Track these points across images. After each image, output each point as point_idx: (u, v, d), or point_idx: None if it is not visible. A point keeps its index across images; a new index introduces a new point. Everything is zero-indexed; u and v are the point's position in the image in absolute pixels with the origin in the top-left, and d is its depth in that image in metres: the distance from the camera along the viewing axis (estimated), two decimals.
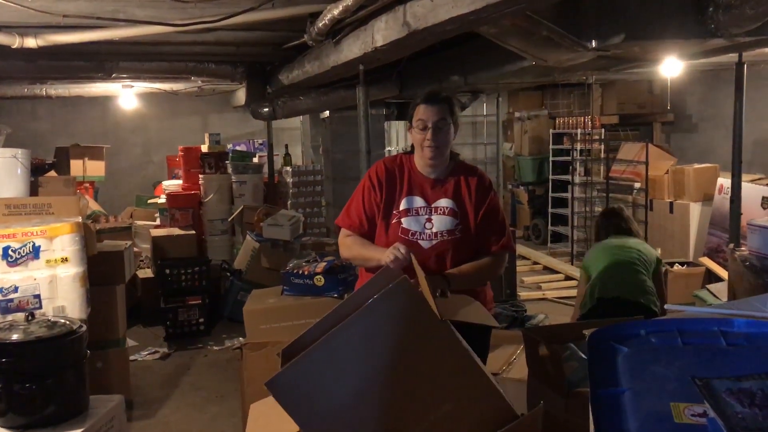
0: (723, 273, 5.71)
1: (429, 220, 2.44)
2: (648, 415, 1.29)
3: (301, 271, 3.54)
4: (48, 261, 3.44)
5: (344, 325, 1.66)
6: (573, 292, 6.63)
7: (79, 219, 3.67)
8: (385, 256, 2.24)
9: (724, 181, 6.36)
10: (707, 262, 6.29)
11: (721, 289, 5.08)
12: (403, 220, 2.45)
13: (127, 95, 8.67)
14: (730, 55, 4.84)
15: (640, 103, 9.71)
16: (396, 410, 1.67)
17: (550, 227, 9.02)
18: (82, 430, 2.59)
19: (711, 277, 6.06)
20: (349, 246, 2.52)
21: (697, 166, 7.41)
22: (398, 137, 10.10)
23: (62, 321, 2.79)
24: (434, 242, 2.42)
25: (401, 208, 2.46)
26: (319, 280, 3.45)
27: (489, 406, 1.70)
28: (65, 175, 6.91)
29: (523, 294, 6.57)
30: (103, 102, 9.71)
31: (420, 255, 2.38)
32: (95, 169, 8.43)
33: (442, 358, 1.71)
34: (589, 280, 3.73)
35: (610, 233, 3.94)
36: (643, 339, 1.54)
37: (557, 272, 7.45)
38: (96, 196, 8.56)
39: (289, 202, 7.73)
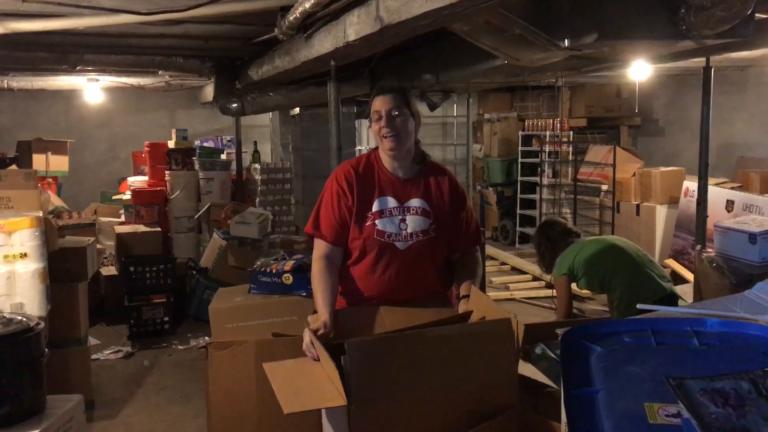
0: (688, 275, 5.80)
1: (403, 220, 2.41)
2: (622, 416, 1.27)
3: (269, 269, 3.48)
4: (6, 256, 3.33)
5: (441, 332, 1.81)
6: (541, 293, 6.68)
7: (40, 213, 3.57)
8: (306, 335, 2.07)
9: (690, 184, 6.45)
10: (673, 263, 6.37)
11: (686, 290, 5.15)
12: (377, 222, 2.40)
13: (92, 89, 8.47)
14: (697, 59, 4.90)
15: (608, 106, 9.84)
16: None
17: (518, 228, 9.07)
18: (38, 430, 2.51)
19: (677, 278, 6.14)
20: (313, 275, 2.41)
21: (663, 169, 7.51)
22: (368, 136, 10.06)
23: (19, 318, 2.71)
24: (410, 243, 2.39)
25: (374, 209, 2.41)
26: (288, 279, 3.39)
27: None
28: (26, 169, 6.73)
29: (491, 294, 6.58)
30: (68, 96, 9.50)
31: (396, 256, 2.39)
32: (58, 164, 8.23)
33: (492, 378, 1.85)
34: (589, 286, 3.78)
35: (571, 236, 3.91)
36: (617, 338, 1.53)
37: (525, 273, 7.49)
38: (59, 192, 8.36)
39: (257, 199, 7.63)
